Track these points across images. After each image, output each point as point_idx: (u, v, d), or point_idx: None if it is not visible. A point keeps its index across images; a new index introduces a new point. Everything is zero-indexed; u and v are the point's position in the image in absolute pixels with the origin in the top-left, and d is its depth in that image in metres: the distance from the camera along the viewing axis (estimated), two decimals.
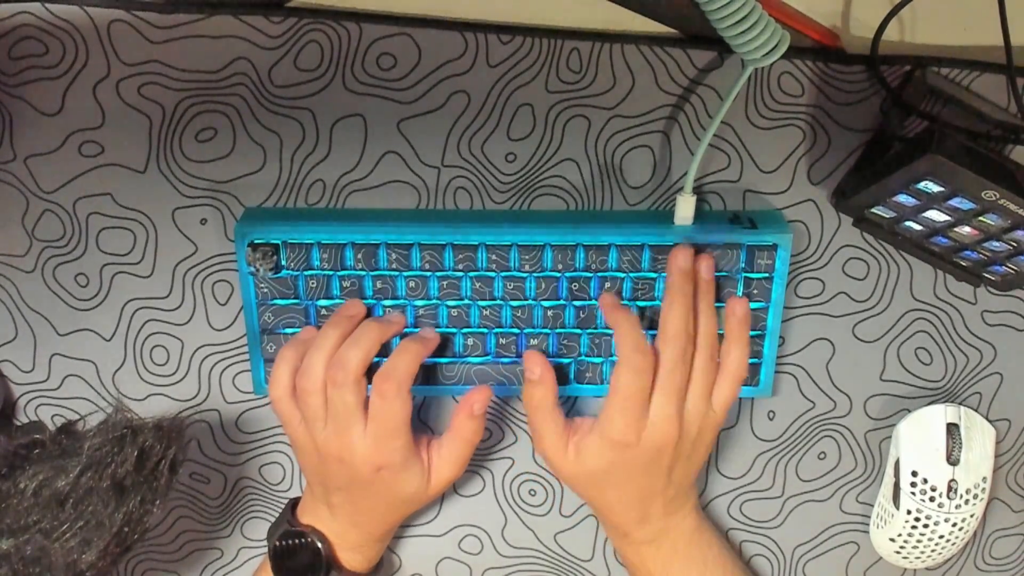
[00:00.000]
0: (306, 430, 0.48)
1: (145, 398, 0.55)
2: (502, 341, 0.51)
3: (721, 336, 0.49)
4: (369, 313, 0.50)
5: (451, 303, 0.50)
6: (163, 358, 0.54)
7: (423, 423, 0.55)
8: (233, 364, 0.54)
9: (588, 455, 0.48)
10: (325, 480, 0.49)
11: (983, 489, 0.55)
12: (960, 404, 0.55)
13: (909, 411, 0.56)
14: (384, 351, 0.48)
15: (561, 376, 0.48)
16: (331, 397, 0.46)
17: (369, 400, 0.47)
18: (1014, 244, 0.46)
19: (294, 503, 0.54)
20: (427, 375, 0.52)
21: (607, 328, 0.51)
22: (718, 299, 0.50)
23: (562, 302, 0.50)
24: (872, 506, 0.58)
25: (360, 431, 0.47)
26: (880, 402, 0.56)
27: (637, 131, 0.50)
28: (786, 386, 0.55)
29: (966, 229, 0.47)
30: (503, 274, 0.50)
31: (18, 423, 0.55)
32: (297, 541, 0.51)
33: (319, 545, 0.51)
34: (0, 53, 0.47)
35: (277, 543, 0.51)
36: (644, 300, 0.50)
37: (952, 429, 0.54)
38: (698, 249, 0.49)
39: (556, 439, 0.48)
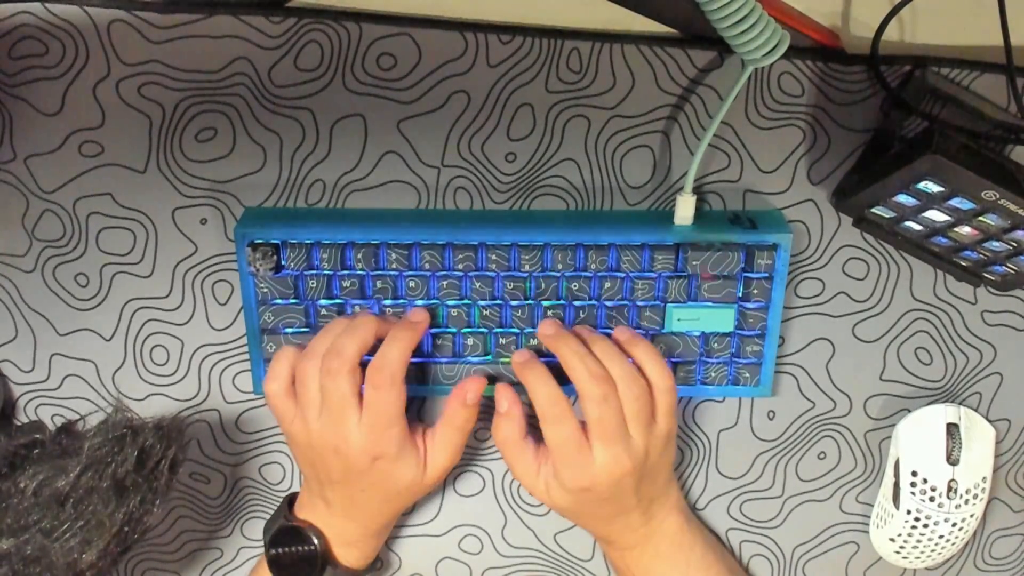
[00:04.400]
0: (302, 422, 0.48)
1: (145, 398, 0.55)
2: (502, 341, 0.51)
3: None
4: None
5: (451, 303, 0.50)
6: (163, 358, 0.54)
7: (422, 423, 0.55)
8: (233, 364, 0.54)
9: (554, 495, 0.49)
10: (321, 474, 0.49)
11: (983, 489, 0.55)
12: (960, 404, 0.55)
13: (909, 411, 0.56)
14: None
15: (561, 377, 0.48)
16: (325, 386, 0.46)
17: (363, 391, 0.47)
18: (1014, 244, 0.46)
19: (291, 499, 0.54)
20: (427, 375, 0.52)
21: (608, 327, 0.51)
22: (718, 300, 0.50)
23: (562, 302, 0.50)
24: (872, 506, 0.58)
25: (355, 421, 0.47)
26: (880, 402, 0.56)
27: (637, 131, 0.50)
28: (786, 386, 0.55)
29: (966, 229, 0.47)
30: (503, 274, 0.50)
31: (18, 423, 0.55)
32: (293, 540, 0.51)
33: (315, 541, 0.51)
34: (0, 53, 0.47)
35: (273, 539, 0.51)
36: (643, 300, 0.50)
37: (952, 429, 0.54)
38: (698, 249, 0.49)
39: (527, 467, 0.49)
